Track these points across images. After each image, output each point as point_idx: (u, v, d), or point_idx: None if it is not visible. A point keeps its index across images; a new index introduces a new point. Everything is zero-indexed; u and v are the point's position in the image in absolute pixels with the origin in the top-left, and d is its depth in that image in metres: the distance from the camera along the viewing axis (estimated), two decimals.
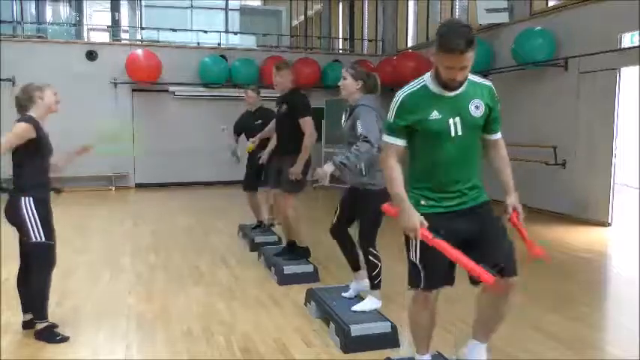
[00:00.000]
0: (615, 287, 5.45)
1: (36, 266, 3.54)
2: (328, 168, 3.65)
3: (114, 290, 4.80)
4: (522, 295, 4.64)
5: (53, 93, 3.60)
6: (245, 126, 6.64)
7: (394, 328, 3.55)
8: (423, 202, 2.52)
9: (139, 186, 12.08)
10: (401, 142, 2.50)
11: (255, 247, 6.05)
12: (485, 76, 9.97)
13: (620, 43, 7.48)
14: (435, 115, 2.42)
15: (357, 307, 3.78)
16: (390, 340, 3.50)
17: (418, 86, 2.47)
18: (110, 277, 5.17)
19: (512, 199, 2.68)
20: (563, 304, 4.44)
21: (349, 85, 3.84)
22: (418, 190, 2.54)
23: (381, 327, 3.53)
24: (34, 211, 3.44)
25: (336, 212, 4.03)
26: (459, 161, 2.50)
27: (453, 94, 2.43)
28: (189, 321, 4.00)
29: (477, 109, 2.45)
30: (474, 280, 2.49)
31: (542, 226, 7.77)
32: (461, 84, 2.43)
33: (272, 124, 5.48)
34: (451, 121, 2.43)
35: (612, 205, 7.72)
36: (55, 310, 4.12)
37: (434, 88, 2.43)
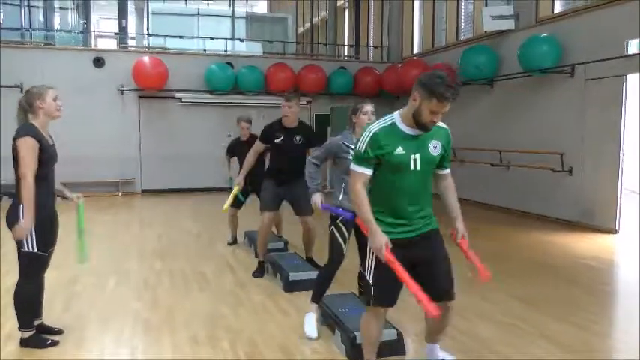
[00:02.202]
0: (623, 295, 5.41)
1: (23, 275, 3.47)
2: (316, 198, 3.96)
3: (120, 295, 4.81)
4: (529, 303, 4.62)
5: (54, 98, 3.48)
6: (237, 152, 6.80)
7: (400, 335, 3.53)
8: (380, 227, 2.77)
9: (146, 192, 12.12)
10: (368, 172, 2.78)
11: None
12: (491, 82, 10.00)
13: (627, 49, 7.46)
14: (399, 150, 2.72)
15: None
16: (395, 347, 3.49)
17: (388, 124, 2.75)
18: (116, 283, 5.18)
19: (461, 226, 2.97)
20: (570, 312, 4.41)
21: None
22: (375, 214, 2.78)
23: (386, 334, 3.50)
24: None
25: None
26: (414, 191, 2.81)
27: (417, 133, 2.73)
28: (195, 326, 4.00)
29: (434, 148, 2.79)
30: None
31: (548, 233, 7.74)
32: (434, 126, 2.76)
33: (249, 155, 5.49)
34: (412, 157, 2.74)
35: (619, 212, 7.67)
36: (61, 316, 4.14)
37: (403, 127, 2.73)
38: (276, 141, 5.19)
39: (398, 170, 2.74)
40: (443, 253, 2.90)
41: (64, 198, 3.75)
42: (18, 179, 3.37)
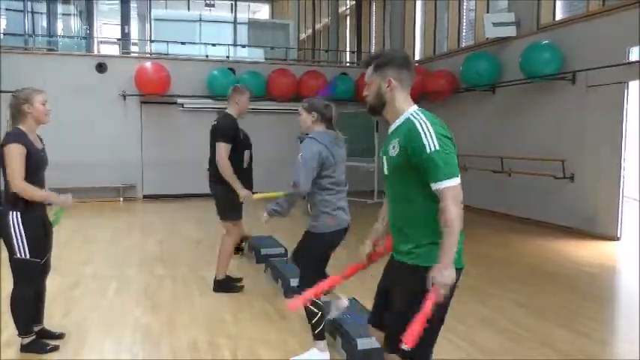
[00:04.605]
0: (624, 302, 5.39)
1: (17, 282, 3.45)
2: (264, 214, 3.51)
3: (120, 301, 4.80)
4: (530, 310, 4.61)
5: (42, 102, 3.41)
6: None
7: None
8: None
9: (147, 197, 12.13)
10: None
11: (261, 259, 6.05)
12: (492, 89, 9.99)
13: (628, 56, 7.47)
14: (381, 152, 2.41)
15: (298, 358, 3.52)
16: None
17: None
18: (117, 288, 5.18)
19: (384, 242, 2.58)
20: (572, 319, 4.39)
21: (304, 119, 3.61)
22: None
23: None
24: (21, 227, 3.34)
25: None
26: (392, 202, 2.37)
27: (390, 130, 2.34)
28: (196, 333, 3.99)
29: (393, 149, 2.25)
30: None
31: (550, 239, 7.72)
32: (372, 108, 2.36)
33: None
34: (383, 157, 2.35)
35: (621, 218, 7.66)
36: (61, 321, 4.14)
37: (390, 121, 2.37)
38: None
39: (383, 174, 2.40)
40: (403, 297, 2.26)
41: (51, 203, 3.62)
42: (6, 186, 3.34)
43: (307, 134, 3.62)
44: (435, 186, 2.12)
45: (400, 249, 2.31)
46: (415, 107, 2.30)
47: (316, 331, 3.51)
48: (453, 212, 2.09)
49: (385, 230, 2.56)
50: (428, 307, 2.04)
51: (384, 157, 2.33)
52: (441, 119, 2.26)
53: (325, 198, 3.45)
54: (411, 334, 1.98)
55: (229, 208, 5.00)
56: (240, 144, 4.92)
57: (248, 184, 4.96)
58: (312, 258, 3.54)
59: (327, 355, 3.53)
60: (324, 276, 3.43)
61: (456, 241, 2.11)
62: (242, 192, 4.73)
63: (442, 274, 2.06)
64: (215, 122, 4.99)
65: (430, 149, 2.11)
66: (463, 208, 2.15)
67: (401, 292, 2.29)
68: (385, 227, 2.55)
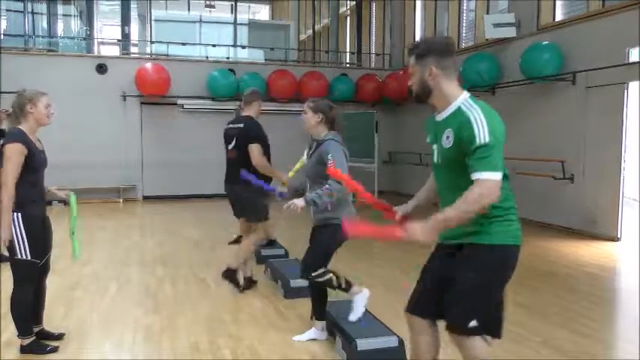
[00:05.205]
0: (625, 302, 5.39)
1: (18, 283, 3.45)
2: (299, 202, 3.56)
3: (120, 302, 4.80)
4: (531, 310, 4.61)
5: (45, 105, 3.44)
6: None
7: (401, 342, 3.52)
8: None
9: (147, 198, 12.13)
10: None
11: (261, 260, 6.05)
12: (492, 90, 9.99)
13: (628, 57, 7.48)
14: (428, 138, 2.46)
15: (353, 317, 3.79)
16: (396, 354, 3.48)
17: None
18: (117, 289, 5.18)
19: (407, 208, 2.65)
20: (572, 319, 4.39)
21: (309, 118, 3.74)
22: None
23: (387, 341, 3.51)
24: (22, 228, 3.34)
25: None
26: (443, 191, 2.42)
27: (439, 118, 2.37)
28: (196, 334, 3.99)
29: (447, 139, 2.28)
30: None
31: (550, 240, 7.72)
32: (417, 97, 2.38)
33: None
34: (434, 146, 2.40)
35: (621, 219, 7.66)
36: (61, 322, 4.14)
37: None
38: None
39: (432, 162, 2.44)
40: (465, 279, 2.32)
41: (61, 201, 3.67)
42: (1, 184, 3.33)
43: (317, 136, 3.76)
44: (474, 175, 2.16)
45: (457, 231, 2.32)
46: (466, 95, 2.31)
47: (344, 286, 3.79)
48: (474, 205, 2.14)
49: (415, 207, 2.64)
50: (388, 233, 2.28)
51: (435, 146, 2.37)
52: (495, 110, 2.30)
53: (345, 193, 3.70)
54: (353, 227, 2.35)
55: (256, 207, 5.08)
56: (266, 145, 5.11)
57: (269, 180, 5.09)
58: (331, 247, 3.68)
59: (365, 292, 3.86)
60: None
61: (456, 220, 2.19)
62: (284, 176, 4.99)
63: (422, 232, 2.19)
64: (241, 125, 5.06)
65: (480, 141, 2.15)
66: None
67: (463, 272, 2.32)
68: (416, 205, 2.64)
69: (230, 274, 5.05)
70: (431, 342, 2.55)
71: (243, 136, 4.97)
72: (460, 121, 2.21)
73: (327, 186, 3.53)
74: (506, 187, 2.27)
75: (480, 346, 2.38)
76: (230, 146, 5.07)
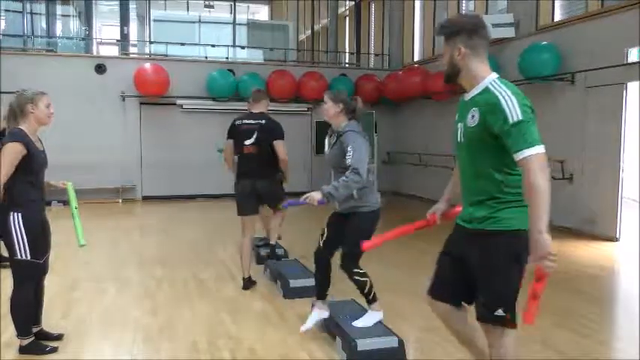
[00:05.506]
0: (623, 303, 5.39)
1: (18, 283, 3.44)
2: (317, 195, 3.58)
3: (119, 303, 4.80)
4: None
5: (46, 104, 3.44)
6: None
7: (401, 342, 3.52)
8: None
9: (146, 198, 12.12)
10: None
11: (260, 260, 6.05)
12: None
13: (627, 57, 7.48)
14: (456, 117, 2.42)
15: (359, 323, 3.72)
16: (396, 355, 3.48)
17: None
18: (116, 290, 5.17)
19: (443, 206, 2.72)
20: (571, 319, 4.40)
21: (328, 108, 3.78)
22: None
23: (387, 342, 3.51)
24: (22, 228, 3.33)
25: (322, 235, 3.92)
26: (465, 172, 2.39)
27: (467, 97, 2.35)
28: (195, 334, 3.99)
29: (472, 118, 2.25)
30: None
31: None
32: (447, 77, 2.37)
33: None
34: (459, 125, 2.36)
35: (620, 219, 7.66)
36: (59, 322, 4.13)
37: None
38: None
39: (454, 141, 2.40)
40: (490, 264, 2.31)
41: (60, 201, 3.67)
42: (7, 186, 3.31)
43: (337, 127, 3.81)
44: (518, 156, 2.11)
45: (475, 215, 2.32)
46: (494, 75, 2.29)
47: (370, 297, 3.77)
48: (540, 179, 2.07)
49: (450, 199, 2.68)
50: (537, 283, 2.28)
51: (460, 125, 2.34)
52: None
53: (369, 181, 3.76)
54: (530, 313, 2.21)
55: (280, 194, 5.36)
56: None
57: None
58: (366, 234, 3.59)
59: (381, 312, 3.81)
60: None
61: (546, 208, 2.10)
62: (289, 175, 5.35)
63: (540, 244, 2.14)
64: (262, 121, 5.19)
65: (513, 119, 2.11)
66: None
67: (485, 259, 2.30)
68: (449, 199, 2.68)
69: (272, 250, 5.61)
70: (459, 317, 2.55)
71: (267, 132, 5.06)
72: (487, 101, 2.19)
73: (343, 178, 3.55)
74: (520, 172, 2.23)
75: (508, 338, 2.39)
76: (248, 142, 5.10)
